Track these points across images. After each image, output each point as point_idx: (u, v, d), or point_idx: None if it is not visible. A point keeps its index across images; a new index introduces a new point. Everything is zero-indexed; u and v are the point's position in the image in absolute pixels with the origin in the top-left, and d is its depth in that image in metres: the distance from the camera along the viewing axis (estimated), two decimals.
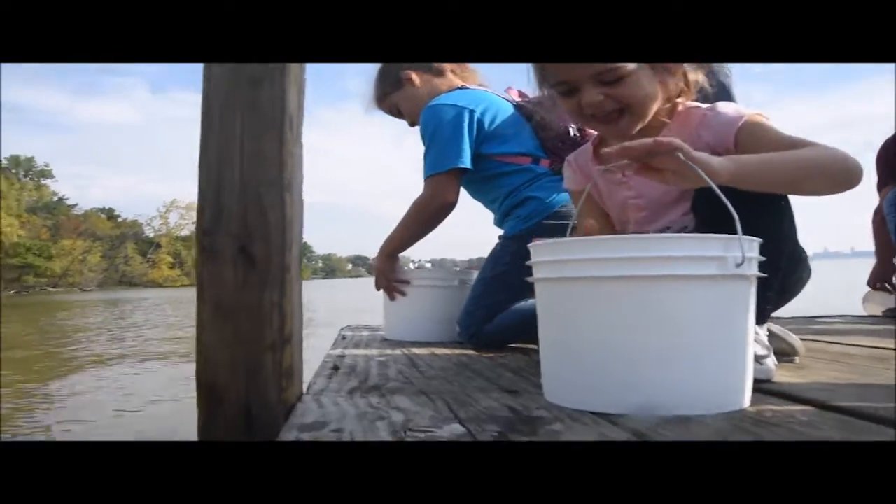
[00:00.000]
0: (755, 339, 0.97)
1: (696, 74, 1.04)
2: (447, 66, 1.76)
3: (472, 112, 1.61)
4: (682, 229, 1.08)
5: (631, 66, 0.95)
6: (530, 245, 0.90)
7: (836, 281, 11.15)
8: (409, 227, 1.66)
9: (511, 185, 1.65)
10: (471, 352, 1.48)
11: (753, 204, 0.84)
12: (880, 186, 2.43)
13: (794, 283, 1.10)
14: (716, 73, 1.25)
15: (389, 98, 1.79)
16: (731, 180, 0.81)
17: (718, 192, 0.76)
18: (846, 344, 1.44)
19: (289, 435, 0.71)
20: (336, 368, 1.22)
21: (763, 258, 0.83)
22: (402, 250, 1.72)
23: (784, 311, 1.15)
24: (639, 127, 1.02)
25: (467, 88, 1.72)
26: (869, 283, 2.57)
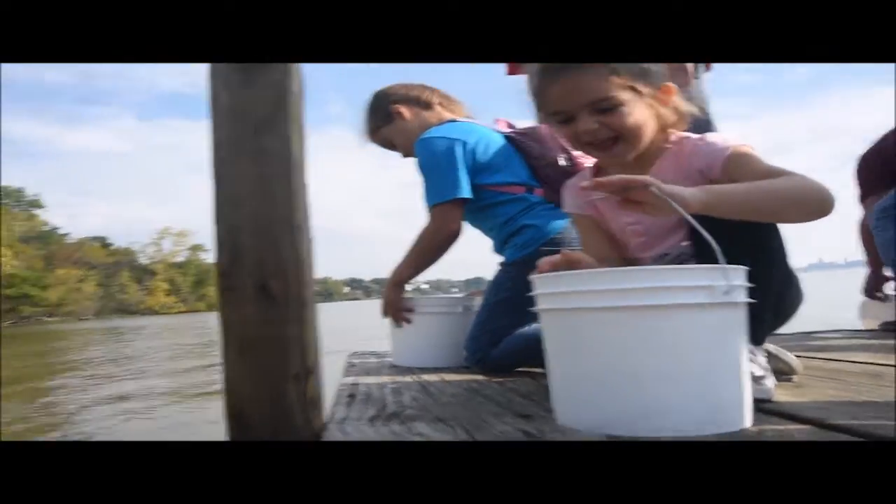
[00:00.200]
0: (754, 360, 1.02)
1: (688, 106, 1.11)
2: (435, 100, 1.82)
3: (464, 143, 1.66)
4: (680, 255, 1.14)
5: (624, 95, 1.02)
6: (532, 277, 0.95)
7: (832, 290, 11.31)
8: (417, 258, 1.71)
9: (506, 214, 1.70)
10: (479, 377, 1.51)
11: (742, 229, 0.90)
12: (863, 198, 2.43)
13: (788, 305, 1.15)
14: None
15: (381, 132, 1.84)
16: (703, 209, 0.88)
17: (692, 220, 0.83)
18: (843, 360, 1.49)
19: None
20: (353, 396, 1.26)
21: (753, 285, 0.88)
22: (411, 279, 1.77)
23: (783, 327, 1.20)
24: (634, 153, 1.08)
25: (456, 121, 1.77)
26: (863, 293, 2.64)
